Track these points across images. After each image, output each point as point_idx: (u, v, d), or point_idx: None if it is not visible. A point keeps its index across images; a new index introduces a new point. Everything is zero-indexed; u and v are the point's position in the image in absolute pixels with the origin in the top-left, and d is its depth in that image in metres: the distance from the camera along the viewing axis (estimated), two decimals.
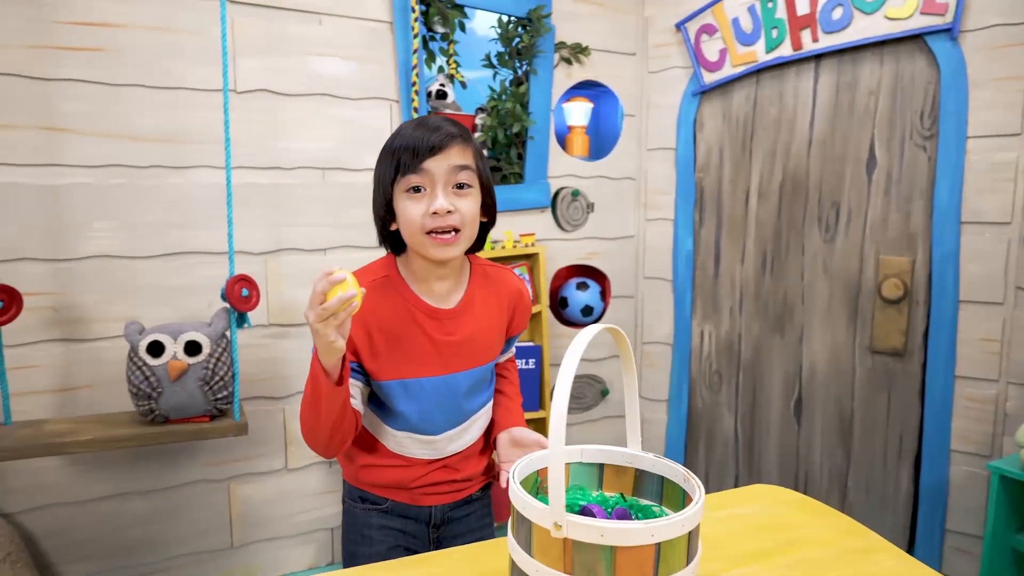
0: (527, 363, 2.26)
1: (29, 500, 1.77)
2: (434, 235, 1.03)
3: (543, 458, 0.86)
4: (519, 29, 2.26)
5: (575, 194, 2.40)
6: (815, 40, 2.11)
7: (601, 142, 2.61)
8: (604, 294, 2.53)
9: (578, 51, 2.33)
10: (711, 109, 2.39)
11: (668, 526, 0.69)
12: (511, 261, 2.26)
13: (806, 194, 2.22)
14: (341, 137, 2.04)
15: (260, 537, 2.05)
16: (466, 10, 2.18)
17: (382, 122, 2.09)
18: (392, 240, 1.11)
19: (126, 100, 1.78)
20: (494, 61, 2.29)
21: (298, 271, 2.02)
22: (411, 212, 1.03)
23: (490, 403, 1.24)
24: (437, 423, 1.14)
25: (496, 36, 2.26)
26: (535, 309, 2.27)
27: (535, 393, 2.30)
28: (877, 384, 2.12)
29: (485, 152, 2.29)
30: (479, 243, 1.14)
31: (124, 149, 1.78)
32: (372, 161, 2.04)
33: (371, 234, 2.02)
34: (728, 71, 2.30)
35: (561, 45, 2.31)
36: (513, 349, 1.36)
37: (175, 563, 1.94)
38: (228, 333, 1.70)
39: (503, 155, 2.32)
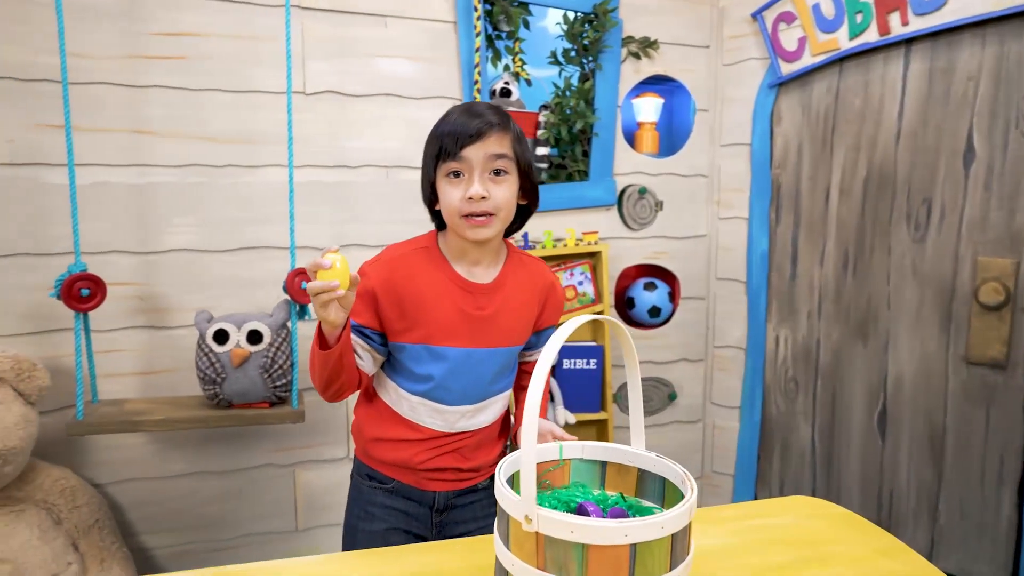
0: (588, 363, 2.22)
1: (117, 473, 1.92)
2: (469, 218, 1.08)
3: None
4: (585, 25, 2.23)
5: (642, 192, 2.34)
6: (905, 23, 1.95)
7: (672, 138, 2.53)
8: (673, 295, 2.45)
9: (647, 45, 2.27)
10: (789, 102, 2.26)
11: (644, 527, 0.66)
12: (572, 260, 2.23)
13: (893, 190, 2.05)
14: (405, 136, 2.08)
15: (322, 522, 2.13)
16: (531, 7, 2.18)
17: None
18: (438, 217, 1.18)
19: (205, 104, 1.90)
20: (560, 58, 2.27)
21: None
22: (449, 196, 1.09)
23: (508, 392, 1.26)
24: (453, 393, 1.17)
25: (562, 32, 2.24)
26: (597, 308, 2.23)
27: (596, 394, 2.25)
28: (973, 398, 1.92)
29: (548, 150, 2.27)
30: (519, 224, 1.20)
31: (202, 150, 1.91)
32: None
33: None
34: (807, 61, 2.17)
35: (629, 40, 2.26)
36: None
37: (243, 542, 2.05)
38: (289, 324, 1.78)
39: (568, 152, 2.30)
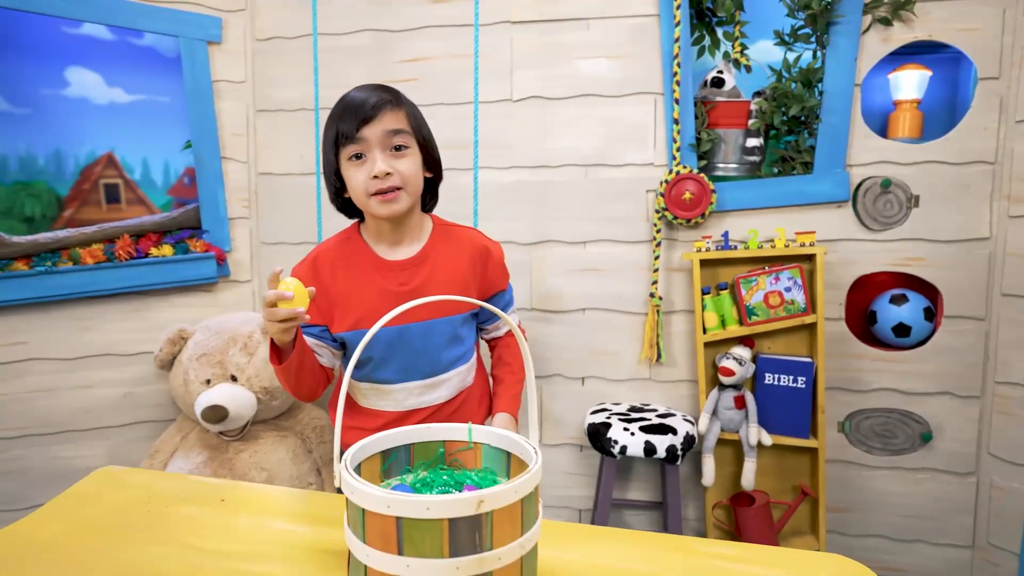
0: (795, 381, 1.94)
1: None
2: (378, 195, 1.12)
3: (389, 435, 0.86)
4: None
5: (886, 184, 1.94)
6: None
7: (946, 118, 2.04)
8: (933, 312, 1.97)
9: (899, 7, 1.87)
10: None
11: (406, 503, 0.66)
12: (779, 262, 1.96)
13: None
14: (604, 134, 2.11)
15: None
16: None
17: (646, 116, 2.08)
18: (350, 206, 1.22)
19: (433, 117, 2.16)
20: (786, 37, 2.02)
21: (560, 262, 2.18)
22: (355, 179, 1.14)
23: (463, 367, 1.25)
24: (392, 371, 1.20)
25: (787, 10, 1.99)
26: (809, 319, 1.93)
27: (804, 418, 1.95)
28: None
29: (760, 141, 2.04)
30: (432, 199, 1.24)
31: None
32: (633, 157, 2.11)
33: (630, 228, 2.09)
34: None
35: (875, 3, 1.90)
36: (512, 320, 1.31)
37: None
38: None
39: (788, 143, 2.04)
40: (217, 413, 1.96)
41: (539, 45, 2.13)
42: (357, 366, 1.23)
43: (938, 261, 1.95)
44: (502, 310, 1.32)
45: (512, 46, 2.15)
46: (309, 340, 1.20)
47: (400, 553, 0.67)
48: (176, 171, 2.42)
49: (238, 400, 2.02)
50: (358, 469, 0.81)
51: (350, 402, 1.29)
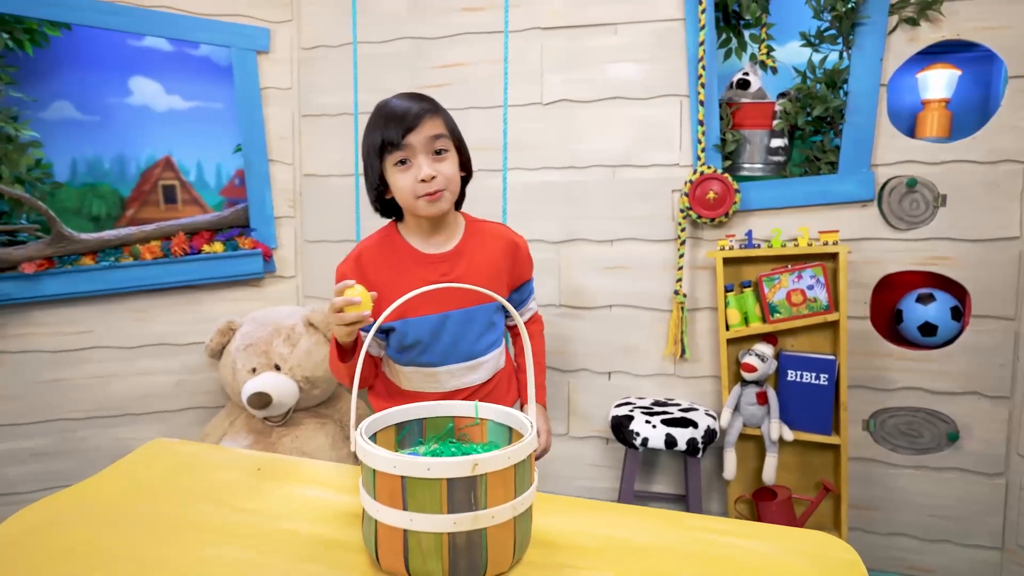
0: (817, 378, 1.96)
1: None
2: (424, 197, 1.22)
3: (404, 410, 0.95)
4: None
5: (911, 184, 1.94)
6: None
7: (975, 117, 2.03)
8: (960, 312, 1.97)
9: (926, 6, 1.88)
10: None
11: (411, 464, 0.75)
12: (802, 261, 1.99)
13: None
14: (630, 136, 2.17)
15: (543, 489, 2.36)
16: None
17: (671, 118, 2.13)
18: (388, 207, 1.32)
19: (465, 120, 2.27)
20: (812, 38, 2.04)
21: (587, 260, 2.25)
22: (402, 183, 1.23)
23: (496, 351, 1.35)
24: (436, 354, 1.31)
25: (812, 9, 2.02)
26: (831, 317, 1.95)
27: (827, 415, 1.97)
28: None
29: (784, 141, 2.07)
30: (461, 197, 1.34)
31: None
32: (659, 158, 2.18)
33: (655, 227, 2.16)
34: None
35: (901, 3, 1.91)
36: (531, 309, 1.48)
37: None
38: None
39: (815, 143, 2.06)
40: (262, 399, 2.09)
41: (568, 50, 2.20)
42: (402, 351, 1.33)
43: (966, 260, 1.95)
44: (527, 297, 1.46)
45: (542, 51, 2.22)
46: (363, 334, 1.30)
47: (405, 508, 0.76)
48: (228, 173, 2.58)
49: (281, 388, 2.15)
50: (374, 438, 0.90)
51: (394, 388, 1.39)
